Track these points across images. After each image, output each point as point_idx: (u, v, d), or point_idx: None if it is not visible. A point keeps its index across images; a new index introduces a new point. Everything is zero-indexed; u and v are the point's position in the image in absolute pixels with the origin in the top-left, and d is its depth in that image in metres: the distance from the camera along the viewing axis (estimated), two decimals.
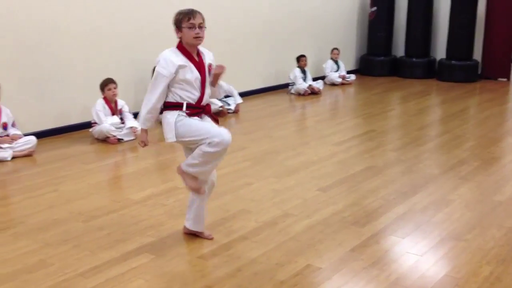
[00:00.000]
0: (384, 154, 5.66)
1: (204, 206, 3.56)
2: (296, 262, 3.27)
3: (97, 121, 6.12)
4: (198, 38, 3.24)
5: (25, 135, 5.71)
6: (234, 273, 3.14)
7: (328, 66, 10.13)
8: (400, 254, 3.41)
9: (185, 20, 3.22)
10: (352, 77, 10.37)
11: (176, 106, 3.30)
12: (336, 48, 10.18)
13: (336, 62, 10.21)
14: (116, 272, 3.15)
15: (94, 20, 6.51)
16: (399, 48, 11.35)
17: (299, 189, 4.57)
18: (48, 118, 6.30)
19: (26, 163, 5.37)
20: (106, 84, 6.12)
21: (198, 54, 3.36)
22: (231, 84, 7.77)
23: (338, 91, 9.66)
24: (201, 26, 3.24)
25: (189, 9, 3.25)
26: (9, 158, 5.38)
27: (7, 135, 5.56)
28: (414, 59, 10.83)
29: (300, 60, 9.16)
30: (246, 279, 3.07)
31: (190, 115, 3.31)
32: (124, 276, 3.10)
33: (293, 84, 9.12)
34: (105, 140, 6.06)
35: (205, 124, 3.33)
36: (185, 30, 3.23)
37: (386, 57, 11.15)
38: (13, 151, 5.45)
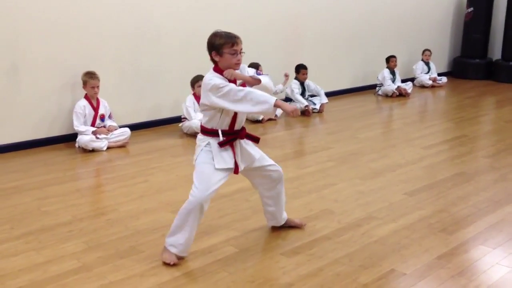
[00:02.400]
0: (476, 161, 5.43)
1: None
2: (380, 266, 3.22)
3: (187, 116, 6.32)
4: (239, 64, 3.16)
5: (120, 126, 6.00)
6: (316, 272, 3.14)
7: (419, 68, 9.86)
8: (490, 264, 3.27)
9: (228, 46, 3.11)
10: (444, 79, 10.03)
11: (211, 133, 3.21)
12: (427, 50, 9.88)
13: (427, 63, 9.92)
14: (202, 263, 3.25)
15: (196, 22, 6.74)
16: (496, 50, 10.85)
17: (384, 192, 4.49)
18: (142, 112, 6.61)
19: (120, 154, 5.65)
20: (197, 81, 6.26)
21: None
22: (318, 84, 7.77)
23: (427, 93, 9.37)
24: (241, 52, 3.14)
25: (230, 34, 3.13)
26: (104, 148, 5.68)
27: (104, 126, 5.88)
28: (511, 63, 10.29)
29: (390, 60, 8.98)
30: (328, 279, 3.07)
31: (221, 145, 3.17)
32: (209, 267, 3.19)
33: (381, 85, 8.95)
34: (194, 135, 6.24)
35: (209, 174, 3.14)
36: (227, 56, 3.12)
37: (481, 60, 10.68)
38: (109, 142, 5.75)
